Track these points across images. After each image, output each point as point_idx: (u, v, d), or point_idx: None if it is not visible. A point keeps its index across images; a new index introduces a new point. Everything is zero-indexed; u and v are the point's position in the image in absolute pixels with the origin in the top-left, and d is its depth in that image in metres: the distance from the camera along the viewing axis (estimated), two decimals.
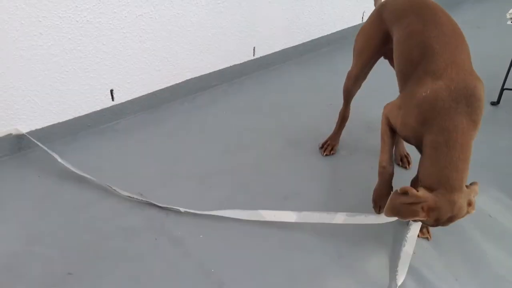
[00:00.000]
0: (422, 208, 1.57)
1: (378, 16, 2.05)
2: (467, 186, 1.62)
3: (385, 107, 1.92)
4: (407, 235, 1.94)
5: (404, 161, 2.37)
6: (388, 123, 1.87)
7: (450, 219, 1.60)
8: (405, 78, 1.83)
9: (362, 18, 3.54)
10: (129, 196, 2.14)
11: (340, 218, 2.04)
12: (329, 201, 2.18)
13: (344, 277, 1.83)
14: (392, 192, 1.67)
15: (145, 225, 2.03)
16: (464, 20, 3.86)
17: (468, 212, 1.61)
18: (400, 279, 1.79)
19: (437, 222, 1.61)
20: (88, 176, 2.23)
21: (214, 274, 1.83)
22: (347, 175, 2.34)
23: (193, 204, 2.13)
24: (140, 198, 2.13)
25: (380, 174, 1.94)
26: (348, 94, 2.30)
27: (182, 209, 2.11)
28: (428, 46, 1.74)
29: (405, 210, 1.59)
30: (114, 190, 2.17)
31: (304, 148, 2.48)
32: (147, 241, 1.96)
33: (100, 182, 2.23)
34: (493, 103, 2.80)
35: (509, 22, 2.43)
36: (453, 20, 1.85)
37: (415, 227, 1.96)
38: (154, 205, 2.10)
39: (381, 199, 1.97)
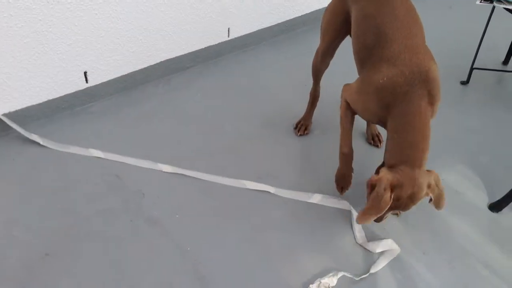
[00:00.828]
0: (385, 188, 1.64)
1: None
2: (427, 171, 1.71)
3: (343, 90, 1.98)
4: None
5: (375, 140, 2.43)
6: (347, 107, 1.94)
7: (411, 198, 1.67)
8: (362, 62, 1.90)
9: None
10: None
11: (316, 198, 2.13)
12: (303, 180, 2.23)
13: (318, 254, 1.91)
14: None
15: (122, 207, 2.06)
16: (437, 0, 3.93)
17: (427, 194, 1.69)
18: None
19: (399, 202, 1.67)
20: (75, 151, 2.31)
21: (190, 252, 1.88)
22: (321, 154, 2.39)
23: (170, 188, 2.17)
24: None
25: (341, 158, 2.03)
26: (317, 71, 2.33)
27: (164, 168, 2.23)
28: (382, 31, 1.79)
29: (377, 202, 1.66)
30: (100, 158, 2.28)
31: (279, 129, 2.52)
32: (124, 222, 1.99)
33: (88, 153, 2.30)
34: (462, 83, 2.87)
35: (478, 2, 2.48)
36: (409, 1, 1.90)
37: None
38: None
39: (343, 180, 2.08)
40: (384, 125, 1.79)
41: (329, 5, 2.18)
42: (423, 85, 1.68)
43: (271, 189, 2.15)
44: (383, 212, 1.67)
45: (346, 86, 1.98)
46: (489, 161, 2.35)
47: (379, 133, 2.43)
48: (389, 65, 1.73)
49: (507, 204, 2.05)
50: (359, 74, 1.95)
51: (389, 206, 1.65)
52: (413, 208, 1.72)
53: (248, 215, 2.06)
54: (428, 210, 2.07)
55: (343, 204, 2.10)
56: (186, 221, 2.02)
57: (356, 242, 1.95)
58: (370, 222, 1.74)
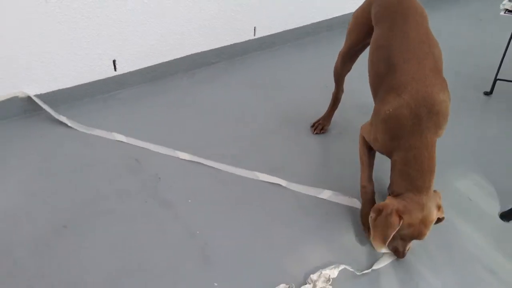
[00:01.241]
0: (393, 214, 1.69)
1: (368, 6, 2.11)
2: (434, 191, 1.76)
3: (361, 128, 2.03)
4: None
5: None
6: (364, 143, 1.99)
7: (423, 223, 1.71)
8: (375, 90, 1.94)
9: None
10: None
11: (326, 194, 2.16)
12: (314, 176, 2.27)
13: (321, 248, 1.94)
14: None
15: (138, 188, 2.15)
16: (468, 12, 3.94)
17: (439, 218, 1.75)
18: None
19: (411, 229, 1.71)
20: (99, 134, 2.43)
21: (199, 235, 1.95)
22: (335, 153, 2.44)
23: (186, 174, 2.25)
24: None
25: (362, 194, 2.04)
26: (337, 74, 2.37)
27: (181, 155, 2.32)
28: (393, 62, 1.82)
29: (383, 226, 1.71)
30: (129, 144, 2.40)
31: (296, 126, 2.58)
32: (139, 203, 2.08)
33: (111, 137, 2.41)
34: (486, 93, 2.86)
35: (502, 13, 2.48)
36: (425, 29, 1.90)
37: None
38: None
39: (367, 218, 2.00)
40: (390, 156, 1.82)
41: (357, 10, 2.21)
42: (429, 117, 1.70)
43: (283, 182, 2.21)
44: (390, 237, 1.69)
45: (363, 124, 2.02)
46: (504, 171, 2.34)
47: None
48: (395, 96, 1.75)
49: None
50: (374, 103, 1.97)
51: (395, 231, 1.68)
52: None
53: (257, 205, 2.11)
54: None
55: (352, 202, 2.13)
56: (198, 206, 2.09)
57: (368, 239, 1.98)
58: (383, 248, 1.78)
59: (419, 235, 1.74)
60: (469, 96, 2.89)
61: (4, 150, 2.32)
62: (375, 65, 1.92)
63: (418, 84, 1.73)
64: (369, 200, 2.01)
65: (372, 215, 1.76)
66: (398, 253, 1.84)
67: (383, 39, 1.91)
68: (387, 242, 1.72)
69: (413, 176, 1.72)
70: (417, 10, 1.94)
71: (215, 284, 1.77)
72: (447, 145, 2.47)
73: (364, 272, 1.83)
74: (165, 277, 1.78)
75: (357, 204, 2.12)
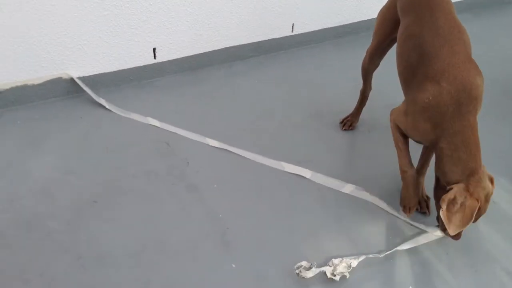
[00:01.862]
0: (469, 198, 1.71)
1: (393, 2, 2.13)
2: None
3: (391, 113, 2.02)
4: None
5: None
6: (398, 129, 1.98)
7: (487, 201, 1.76)
8: (407, 82, 1.94)
9: None
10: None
11: (348, 188, 2.18)
12: (339, 170, 2.30)
13: (340, 238, 1.97)
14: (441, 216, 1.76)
15: (166, 171, 2.24)
16: (511, 20, 3.86)
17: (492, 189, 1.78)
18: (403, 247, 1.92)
19: (480, 210, 1.74)
20: (135, 118, 2.54)
21: (221, 219, 2.02)
22: (361, 150, 2.46)
23: (213, 160, 2.32)
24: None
25: (403, 178, 2.04)
26: (365, 70, 2.39)
27: (210, 142, 2.40)
28: (425, 50, 1.83)
29: (463, 212, 1.72)
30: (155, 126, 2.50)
31: (325, 122, 2.61)
32: (166, 184, 2.17)
33: (146, 121, 2.51)
34: None
35: None
36: (453, 16, 1.92)
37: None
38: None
39: (409, 201, 2.05)
40: (433, 144, 1.82)
41: (383, 7, 2.24)
42: (469, 102, 1.72)
43: (308, 174, 2.24)
44: (472, 219, 1.71)
45: (394, 109, 2.01)
46: None
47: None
48: (433, 84, 1.76)
49: None
50: (404, 95, 1.98)
51: (476, 212, 1.71)
52: None
53: (281, 194, 2.16)
54: None
55: (373, 199, 2.14)
56: (223, 192, 2.15)
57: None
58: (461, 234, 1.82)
59: (483, 213, 1.78)
60: (503, 102, 2.85)
61: (46, 128, 2.45)
62: (405, 55, 1.94)
63: (455, 70, 1.75)
64: (411, 183, 2.02)
65: (443, 206, 1.74)
66: (457, 238, 1.85)
67: (413, 28, 1.92)
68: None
69: (465, 159, 1.74)
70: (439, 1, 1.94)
71: (233, 265, 1.83)
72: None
73: (387, 253, 1.87)
74: (185, 254, 1.85)
75: (376, 201, 2.14)
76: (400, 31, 2.01)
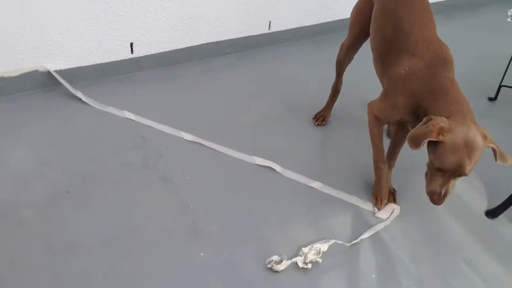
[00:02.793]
0: (437, 126, 1.55)
1: None
2: None
3: (368, 105, 2.05)
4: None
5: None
6: (375, 123, 2.01)
7: (468, 149, 1.54)
8: (382, 57, 2.01)
9: None
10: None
11: (316, 184, 2.24)
12: (310, 164, 2.36)
13: (309, 229, 2.02)
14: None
15: (141, 163, 2.27)
16: (484, 22, 3.96)
17: (486, 145, 1.57)
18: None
19: (454, 156, 1.55)
20: (111, 111, 2.57)
21: (192, 210, 2.06)
22: (333, 144, 2.51)
23: (187, 153, 2.36)
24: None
25: (377, 173, 2.13)
26: (340, 65, 2.46)
27: (185, 136, 2.43)
28: (400, 25, 1.92)
29: (419, 132, 1.58)
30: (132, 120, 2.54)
31: (300, 117, 2.67)
32: (139, 176, 2.20)
33: (122, 114, 2.55)
34: (490, 99, 2.89)
35: (509, 19, 2.52)
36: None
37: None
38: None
39: (381, 193, 2.14)
40: (416, 115, 1.76)
41: (357, 1, 2.31)
42: (443, 65, 1.79)
43: (278, 168, 2.29)
44: (423, 142, 1.54)
45: (371, 101, 2.06)
46: (499, 173, 2.37)
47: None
48: (408, 56, 1.85)
49: (502, 211, 2.08)
50: (380, 78, 2.05)
51: (430, 138, 1.54)
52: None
53: (252, 186, 2.21)
54: (424, 207, 2.15)
55: (340, 194, 2.20)
56: (195, 183, 2.19)
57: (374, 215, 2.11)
58: (416, 147, 1.59)
59: (461, 166, 1.55)
60: (473, 101, 2.83)
61: (22, 120, 2.47)
62: (380, 30, 2.02)
63: (427, 42, 1.85)
64: (384, 177, 2.11)
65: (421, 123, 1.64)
66: (434, 197, 1.66)
67: (388, 4, 2.01)
68: (421, 146, 1.56)
69: (452, 106, 1.65)
70: None
71: (201, 253, 1.87)
72: None
73: (353, 242, 1.94)
74: (155, 243, 1.89)
75: (344, 196, 2.19)
76: (375, 9, 2.09)
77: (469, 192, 2.26)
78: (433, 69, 1.78)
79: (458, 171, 1.58)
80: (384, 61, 1.99)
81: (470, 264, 1.92)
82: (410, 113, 1.80)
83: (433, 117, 1.61)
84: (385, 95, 1.96)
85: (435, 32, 1.94)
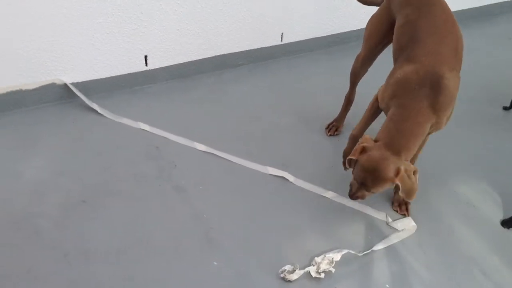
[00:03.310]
0: (359, 147, 1.84)
1: (387, 5, 2.21)
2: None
3: (378, 90, 2.10)
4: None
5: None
6: (374, 102, 2.09)
7: (368, 171, 1.79)
8: (395, 61, 2.03)
9: None
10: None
11: (330, 194, 2.25)
12: (322, 174, 2.36)
13: (321, 238, 2.03)
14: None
15: (154, 173, 2.30)
16: (498, 32, 3.95)
17: (392, 180, 1.76)
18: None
19: (356, 169, 1.85)
20: (126, 122, 2.61)
21: (205, 219, 2.07)
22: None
23: (200, 163, 2.39)
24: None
25: (350, 138, 2.19)
26: (354, 76, 2.47)
27: (198, 146, 2.47)
28: (416, 34, 1.92)
29: (348, 149, 1.95)
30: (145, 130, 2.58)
31: (312, 127, 2.68)
32: (153, 186, 2.23)
33: (136, 125, 2.59)
34: (505, 108, 2.88)
35: None
36: (449, 14, 1.99)
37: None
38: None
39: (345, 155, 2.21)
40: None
41: (374, 14, 2.31)
42: (432, 88, 1.78)
43: (291, 178, 2.30)
44: (344, 159, 1.97)
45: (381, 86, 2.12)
46: None
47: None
48: (409, 63, 1.87)
49: None
50: None
51: (351, 156, 1.85)
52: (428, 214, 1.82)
53: (265, 197, 2.22)
54: (439, 216, 2.14)
55: (353, 204, 2.20)
56: (208, 193, 2.21)
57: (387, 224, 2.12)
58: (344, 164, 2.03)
59: (364, 185, 1.83)
60: (487, 110, 2.93)
61: (39, 132, 2.52)
62: (399, 39, 2.03)
63: (433, 58, 1.83)
64: (353, 144, 2.13)
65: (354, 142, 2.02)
66: (351, 197, 1.95)
67: (411, 16, 2.00)
68: (345, 161, 1.95)
69: (393, 132, 1.81)
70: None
71: (215, 263, 1.88)
72: (460, 153, 2.52)
73: (366, 252, 1.94)
74: (168, 252, 1.91)
75: (358, 206, 2.19)
76: (399, 20, 2.08)
77: (484, 202, 2.25)
78: (420, 88, 1.79)
79: (364, 188, 1.86)
80: (395, 63, 2.03)
81: (485, 274, 1.90)
82: (386, 110, 1.97)
83: (364, 137, 1.91)
84: (384, 84, 2.02)
85: (453, 48, 1.90)
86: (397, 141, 1.79)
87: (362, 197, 1.93)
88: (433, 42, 1.88)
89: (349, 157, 1.87)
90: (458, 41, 1.94)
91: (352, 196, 1.94)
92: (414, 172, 1.80)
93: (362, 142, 1.87)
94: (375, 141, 1.85)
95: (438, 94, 1.78)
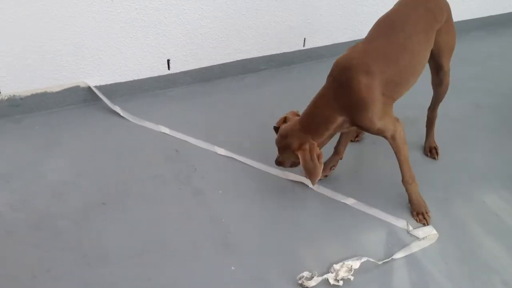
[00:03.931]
0: (282, 117, 2.10)
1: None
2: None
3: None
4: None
5: (432, 152, 2.48)
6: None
7: (281, 135, 2.01)
8: None
9: None
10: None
11: (350, 201, 2.22)
12: (343, 180, 2.33)
13: (341, 245, 2.00)
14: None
15: (174, 176, 2.31)
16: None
17: (293, 151, 1.95)
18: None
19: (277, 137, 2.04)
20: (147, 125, 2.64)
21: (224, 223, 2.07)
22: (366, 161, 2.49)
23: (220, 167, 2.39)
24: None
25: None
26: None
27: (218, 150, 2.48)
28: (370, 32, 2.04)
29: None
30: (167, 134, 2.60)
31: None
32: (172, 189, 2.24)
33: (157, 129, 2.61)
34: None
35: None
36: (428, 17, 2.01)
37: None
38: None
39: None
40: None
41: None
42: (341, 84, 1.87)
43: (310, 183, 2.28)
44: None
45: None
46: None
47: (436, 145, 2.50)
48: (347, 50, 2.01)
49: None
50: None
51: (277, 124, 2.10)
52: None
53: (284, 202, 2.21)
54: (460, 225, 2.09)
55: (373, 211, 2.17)
56: (227, 197, 2.21)
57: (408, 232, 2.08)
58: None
59: (276, 142, 2.05)
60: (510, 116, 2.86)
61: (62, 134, 2.56)
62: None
63: (363, 54, 1.89)
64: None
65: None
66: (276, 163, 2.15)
67: (392, 9, 2.09)
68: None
69: (308, 113, 1.97)
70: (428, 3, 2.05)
71: (232, 267, 1.87)
72: (487, 161, 2.46)
73: (385, 260, 1.90)
74: (186, 255, 1.91)
75: (378, 213, 2.15)
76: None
77: (507, 211, 2.18)
78: (332, 78, 1.94)
79: (279, 153, 2.08)
80: None
81: (507, 285, 1.84)
82: None
83: (292, 111, 2.14)
84: None
85: (392, 52, 1.91)
86: (307, 123, 1.95)
87: (282, 164, 2.10)
88: (377, 41, 1.94)
89: (274, 125, 2.12)
90: (406, 52, 1.93)
91: (275, 161, 2.12)
92: (319, 156, 1.92)
93: (288, 113, 2.09)
94: (298, 115, 2.04)
95: (346, 91, 1.86)
